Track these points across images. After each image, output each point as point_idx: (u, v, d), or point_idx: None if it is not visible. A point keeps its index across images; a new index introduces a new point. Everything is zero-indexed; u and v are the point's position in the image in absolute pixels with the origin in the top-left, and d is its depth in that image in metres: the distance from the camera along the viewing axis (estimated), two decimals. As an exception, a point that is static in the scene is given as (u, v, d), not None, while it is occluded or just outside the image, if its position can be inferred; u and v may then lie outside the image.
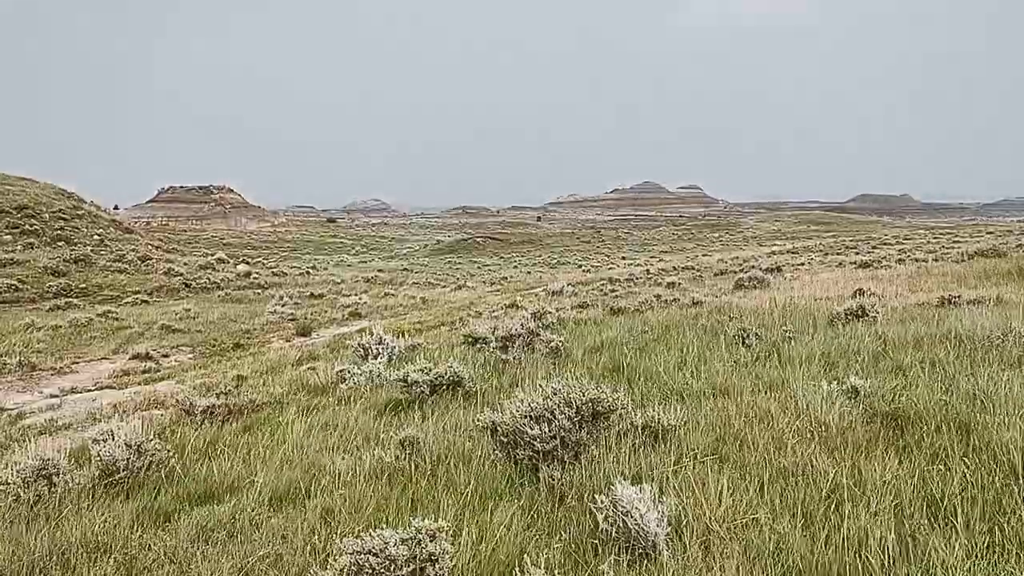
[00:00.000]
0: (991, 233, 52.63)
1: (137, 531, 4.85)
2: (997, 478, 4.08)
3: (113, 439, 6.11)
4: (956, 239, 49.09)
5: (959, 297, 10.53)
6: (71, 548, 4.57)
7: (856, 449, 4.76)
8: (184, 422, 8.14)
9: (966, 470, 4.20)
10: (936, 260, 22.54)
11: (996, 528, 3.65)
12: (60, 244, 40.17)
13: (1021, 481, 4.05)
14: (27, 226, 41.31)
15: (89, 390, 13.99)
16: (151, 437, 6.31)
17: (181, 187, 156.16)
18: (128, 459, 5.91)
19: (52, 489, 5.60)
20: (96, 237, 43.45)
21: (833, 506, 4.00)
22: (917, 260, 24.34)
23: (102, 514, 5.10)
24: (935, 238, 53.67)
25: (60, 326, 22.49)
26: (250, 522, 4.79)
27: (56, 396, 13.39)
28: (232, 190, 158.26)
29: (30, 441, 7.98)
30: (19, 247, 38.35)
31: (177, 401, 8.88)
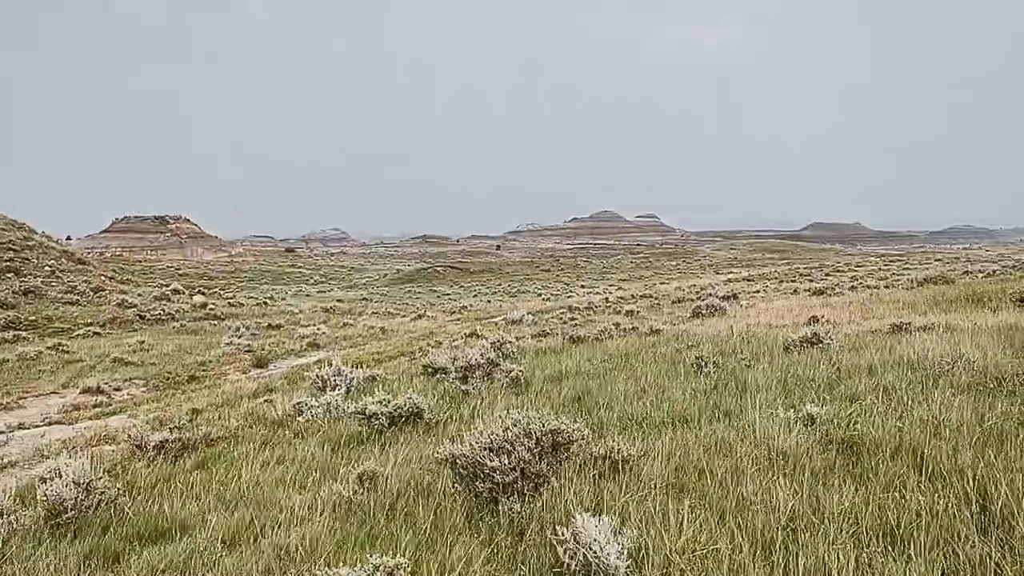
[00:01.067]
0: (939, 260, 54.03)
1: (85, 574, 4.69)
2: (951, 503, 4.14)
3: (60, 477, 5.93)
4: (906, 266, 50.28)
5: (910, 324, 10.75)
6: (14, 593, 4.41)
7: (814, 477, 4.80)
8: (136, 458, 7.95)
9: (921, 497, 4.25)
10: (887, 287, 23.04)
11: (951, 553, 3.69)
12: (9, 276, 39.19)
13: (974, 506, 4.11)
14: (-26, 257, 40.31)
15: (37, 426, 13.58)
16: (100, 475, 6.14)
17: (136, 217, 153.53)
18: (76, 498, 5.74)
19: (-5, 531, 5.42)
20: (47, 268, 42.52)
21: (792, 535, 4.02)
22: (869, 287, 24.85)
23: (48, 557, 4.93)
24: (886, 265, 54.92)
25: (7, 360, 21.85)
26: (203, 563, 4.66)
27: (2, 432, 12.96)
28: (188, 220, 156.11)
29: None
30: (-35, 279, 37.36)
31: (129, 436, 8.66)
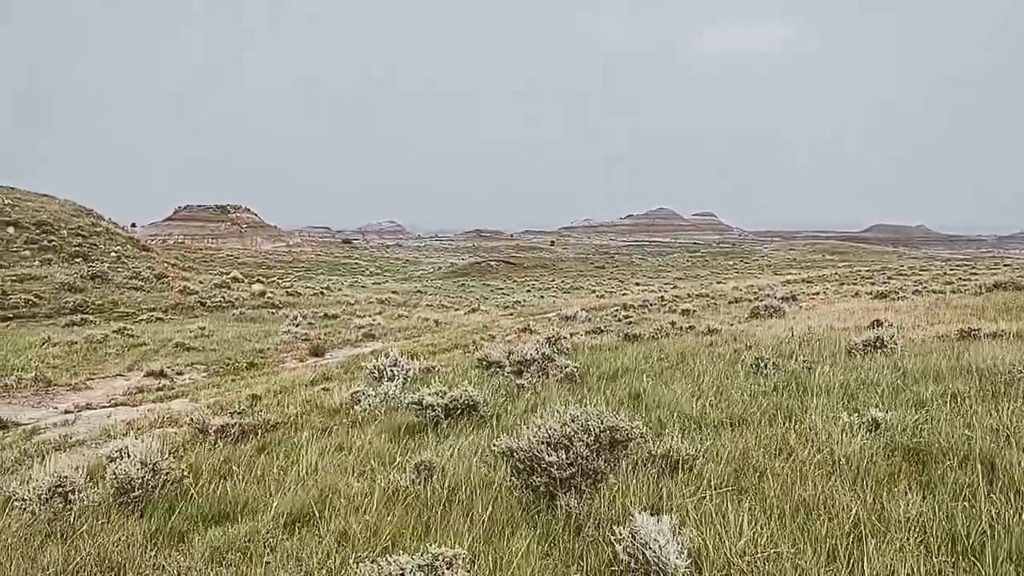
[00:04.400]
0: (1008, 266, 52.27)
1: (151, 551, 4.83)
2: (1023, 516, 4.01)
3: (128, 457, 6.10)
4: (973, 271, 48.75)
5: (979, 330, 10.43)
6: (85, 566, 4.56)
7: (878, 483, 4.70)
8: (198, 441, 8.13)
9: (992, 508, 4.13)
10: (954, 292, 22.37)
11: (1023, 568, 3.58)
12: (78, 261, 40.49)
13: (1048, 520, 3.98)
14: (45, 242, 41.70)
15: (103, 407, 14.01)
16: (166, 456, 6.30)
17: (198, 206, 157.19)
18: (143, 477, 5.89)
19: (67, 506, 5.60)
20: (113, 254, 43.80)
21: (856, 541, 3.94)
22: (934, 292, 24.16)
23: (116, 533, 5.09)
24: (951, 270, 53.34)
25: (76, 342, 22.59)
26: (265, 544, 4.76)
27: (70, 412, 13.41)
28: (248, 209, 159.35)
29: (45, 457, 8.00)
30: (37, 263, 38.70)
31: (191, 420, 8.87)
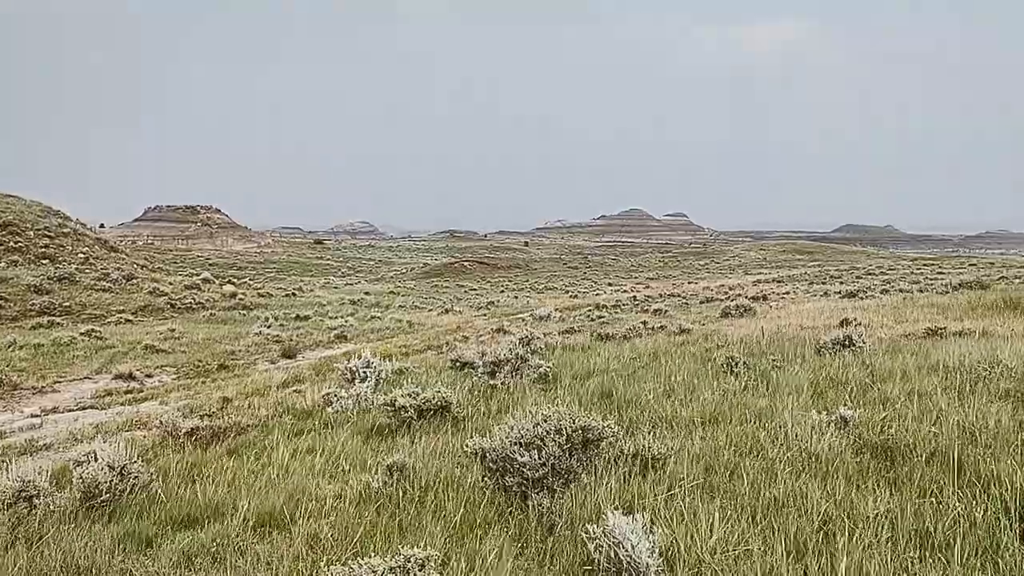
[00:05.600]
0: (974, 265, 53.18)
1: (119, 556, 4.75)
2: (989, 512, 4.07)
3: (95, 461, 6.00)
4: (939, 270, 49.53)
5: (945, 329, 10.60)
6: (51, 572, 4.48)
7: (847, 480, 4.75)
8: (167, 444, 8.04)
9: (959, 504, 4.19)
10: (921, 291, 22.72)
11: (990, 562, 3.63)
12: (44, 262, 39.80)
13: (1013, 515, 4.04)
14: (11, 243, 40.93)
15: (71, 410, 13.78)
16: (134, 459, 6.21)
17: (167, 206, 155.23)
18: (110, 481, 5.81)
19: (32, 511, 5.51)
20: (81, 255, 43.12)
21: (826, 538, 3.98)
22: (902, 291, 24.52)
23: (83, 538, 5.00)
24: (918, 269, 54.15)
25: (42, 344, 22.21)
26: (234, 548, 4.70)
27: (37, 416, 13.18)
28: (219, 210, 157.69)
29: (10, 461, 7.85)
30: (3, 264, 37.98)
31: (161, 423, 8.76)
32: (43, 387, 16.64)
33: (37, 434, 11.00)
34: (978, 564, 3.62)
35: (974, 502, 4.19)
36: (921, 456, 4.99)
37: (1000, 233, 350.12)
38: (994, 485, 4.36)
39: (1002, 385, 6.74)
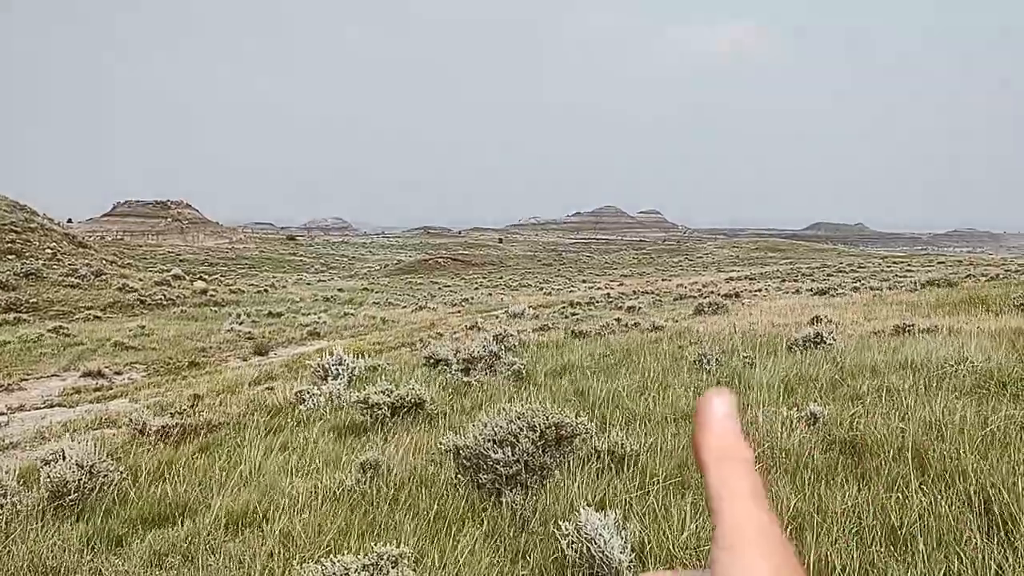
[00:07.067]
0: (942, 263, 53.94)
1: (88, 556, 4.70)
2: (954, 505, 4.15)
3: (64, 459, 5.93)
4: (908, 268, 50.19)
5: (913, 326, 10.75)
6: (18, 572, 4.42)
7: (816, 476, 4.81)
8: (137, 442, 7.96)
9: (924, 498, 4.26)
10: (890, 288, 23.02)
11: (953, 555, 3.70)
12: (10, 258, 39.13)
13: (975, 508, 4.12)
14: (-24, 238, 40.26)
15: (38, 408, 13.59)
16: (103, 457, 6.14)
17: (137, 201, 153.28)
18: (79, 480, 5.74)
19: (-1, 511, 5.43)
20: (48, 251, 42.47)
21: (795, 532, 4.03)
22: (872, 288, 24.82)
23: (51, 538, 4.94)
24: (888, 267, 54.82)
25: (9, 342, 21.87)
26: (206, 546, 4.67)
27: (3, 414, 12.98)
28: (190, 205, 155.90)
29: (-25, 461, 7.73)
30: (-33, 260, 37.35)
31: (130, 420, 8.67)
32: (9, 385, 16.37)
33: (3, 432, 10.85)
34: (942, 557, 3.69)
35: (939, 496, 4.27)
36: (888, 452, 5.07)
37: (968, 231, 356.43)
38: (959, 479, 4.44)
39: (967, 381, 6.86)
